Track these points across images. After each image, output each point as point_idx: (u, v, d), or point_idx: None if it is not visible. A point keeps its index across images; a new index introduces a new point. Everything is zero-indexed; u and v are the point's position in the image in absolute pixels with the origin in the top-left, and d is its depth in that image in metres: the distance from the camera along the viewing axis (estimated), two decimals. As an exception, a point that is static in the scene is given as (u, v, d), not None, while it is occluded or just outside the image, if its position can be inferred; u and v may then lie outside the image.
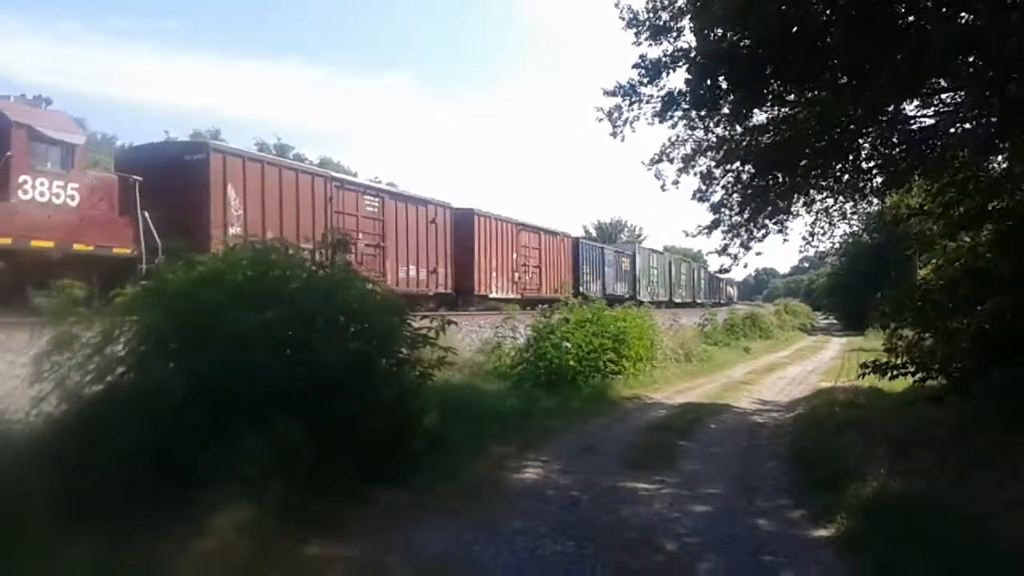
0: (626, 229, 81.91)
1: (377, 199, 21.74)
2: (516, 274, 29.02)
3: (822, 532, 6.37)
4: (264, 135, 66.05)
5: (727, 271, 14.20)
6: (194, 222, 15.45)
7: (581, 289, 31.02)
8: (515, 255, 29.03)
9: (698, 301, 55.13)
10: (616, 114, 11.64)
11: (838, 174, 12.32)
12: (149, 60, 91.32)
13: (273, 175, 17.95)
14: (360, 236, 19.25)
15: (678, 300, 49.92)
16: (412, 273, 22.44)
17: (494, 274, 27.63)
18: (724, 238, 12.70)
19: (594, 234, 72.82)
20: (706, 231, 12.74)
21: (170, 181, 15.43)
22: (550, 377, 14.39)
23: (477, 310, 23.76)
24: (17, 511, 4.91)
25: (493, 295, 26.99)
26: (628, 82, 11.46)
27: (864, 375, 11.14)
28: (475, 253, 26.17)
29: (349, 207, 20.27)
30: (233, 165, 16.84)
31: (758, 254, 13.35)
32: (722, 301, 67.70)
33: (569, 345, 15.03)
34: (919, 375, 10.47)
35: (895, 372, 10.63)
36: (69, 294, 6.80)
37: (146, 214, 14.72)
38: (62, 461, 5.52)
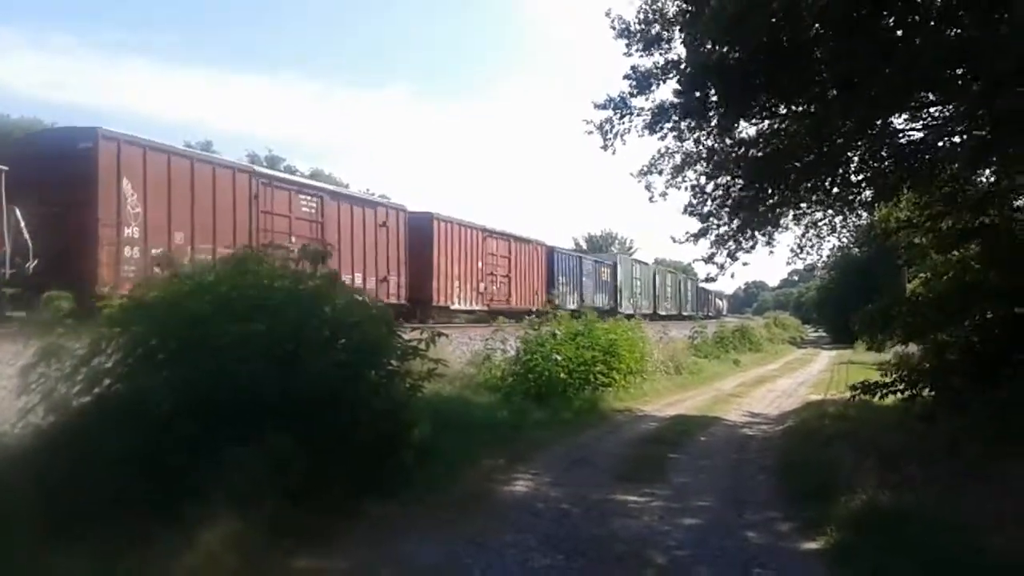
0: (616, 241, 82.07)
1: (315, 199, 19.55)
2: (482, 284, 26.73)
3: (812, 544, 6.37)
4: (257, 148, 65.75)
5: (713, 280, 14.28)
6: (80, 221, 13.79)
7: (556, 301, 28.11)
8: (480, 264, 26.64)
9: (685, 314, 54.42)
10: (607, 127, 11.71)
11: (827, 187, 12.39)
12: (144, 73, 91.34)
13: (183, 168, 15.82)
14: (293, 240, 16.51)
15: (663, 312, 48.21)
16: (359, 282, 19.52)
17: (456, 284, 25.41)
18: (711, 247, 12.77)
19: (584, 246, 72.84)
20: (693, 239, 12.79)
21: (56, 174, 13.76)
22: (540, 389, 14.35)
23: (436, 321, 22.22)
24: (5, 523, 4.87)
25: (455, 306, 25.34)
26: (619, 95, 11.57)
27: (854, 397, 11.17)
28: (434, 261, 23.89)
29: (280, 207, 18.18)
30: (130, 155, 14.65)
31: (745, 264, 13.40)
32: (710, 314, 67.38)
33: (559, 358, 15.01)
34: (908, 392, 10.50)
35: (884, 392, 10.67)
36: (56, 306, 6.72)
37: (16, 210, 12.78)
38: (50, 473, 5.48)
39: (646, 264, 50.75)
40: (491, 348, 16.18)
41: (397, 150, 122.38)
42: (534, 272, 31.28)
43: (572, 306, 28.87)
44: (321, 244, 16.01)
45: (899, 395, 10.61)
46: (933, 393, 10.34)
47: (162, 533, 5.06)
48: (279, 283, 7.32)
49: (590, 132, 11.89)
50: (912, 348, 12.72)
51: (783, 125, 11.37)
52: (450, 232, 25.20)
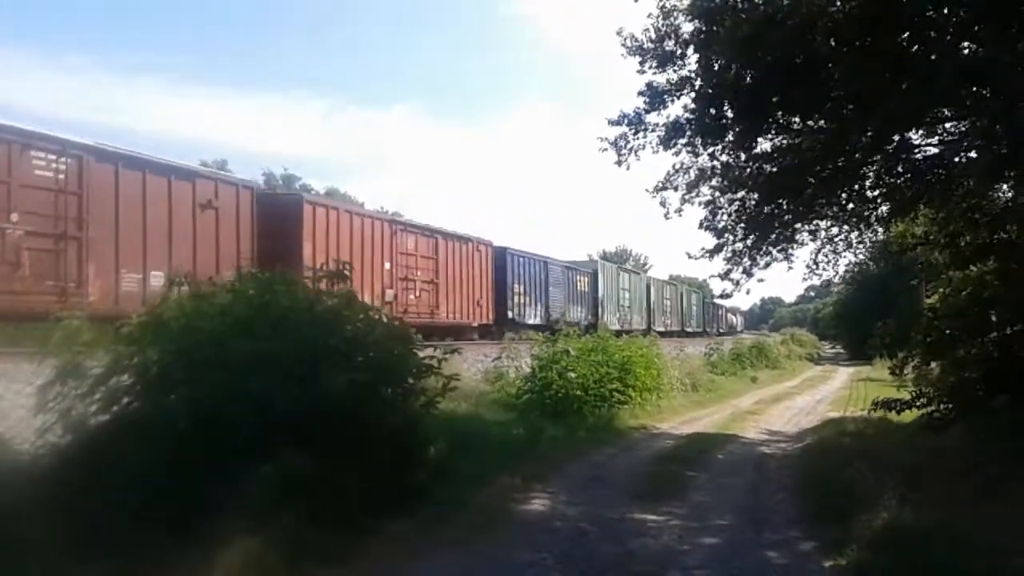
0: (631, 258, 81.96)
1: (64, 160, 12.30)
2: (390, 291, 19.90)
3: (833, 563, 6.28)
4: (272, 166, 66.30)
5: (729, 296, 14.21)
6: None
7: (510, 314, 25.70)
8: (389, 265, 19.98)
9: (689, 330, 50.06)
10: (622, 143, 11.70)
11: (843, 203, 12.34)
12: (159, 93, 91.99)
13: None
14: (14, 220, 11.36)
15: (661, 329, 41.40)
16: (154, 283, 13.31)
17: None
18: (727, 263, 12.72)
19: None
20: (708, 255, 12.75)
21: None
22: (556, 407, 14.33)
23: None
24: (23, 541, 4.89)
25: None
26: (633, 111, 11.55)
27: (874, 410, 11.09)
28: (304, 256, 16.49)
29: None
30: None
31: (760, 281, 13.33)
32: (721, 330, 63.64)
33: (574, 375, 14.97)
34: (927, 409, 10.42)
35: (903, 407, 10.59)
36: (73, 326, 6.77)
37: None
38: (67, 491, 5.50)
39: (636, 274, 44.96)
40: (504, 365, 16.18)
41: (409, 168, 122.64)
42: (475, 278, 24.29)
43: (534, 320, 26.72)
44: (77, 228, 12.00)
45: (918, 411, 10.53)
46: (952, 410, 10.25)
47: (180, 551, 5.08)
48: (298, 303, 7.35)
49: (604, 149, 11.89)
50: (931, 364, 12.61)
51: (798, 140, 11.33)
52: (333, 221, 18.01)
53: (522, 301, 27.23)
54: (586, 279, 34.47)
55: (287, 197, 19.37)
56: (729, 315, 75.53)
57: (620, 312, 37.67)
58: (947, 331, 11.35)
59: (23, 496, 5.46)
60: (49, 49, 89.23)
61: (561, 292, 31.25)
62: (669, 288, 50.03)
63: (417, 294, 21.28)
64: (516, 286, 26.91)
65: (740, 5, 9.94)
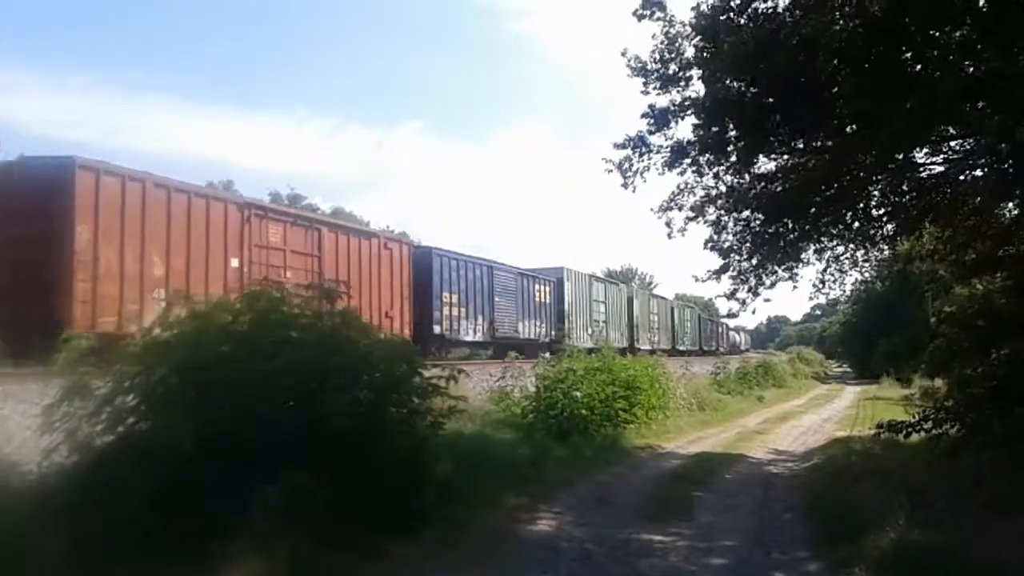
0: (636, 276, 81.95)
1: None
2: None
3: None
4: (278, 186, 66.66)
5: (735, 316, 14.25)
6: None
7: (438, 329, 21.67)
8: (236, 261, 15.47)
9: (682, 348, 45.83)
10: (627, 165, 11.75)
11: (848, 221, 12.36)
12: (162, 112, 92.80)
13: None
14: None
15: (647, 347, 36.61)
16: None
17: (154, 294, 13.68)
18: (733, 283, 12.74)
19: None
20: (715, 276, 12.77)
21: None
22: (561, 426, 14.27)
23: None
24: (29, 562, 4.89)
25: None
26: (637, 133, 11.62)
27: (880, 434, 11.01)
28: (73, 248, 12.69)
29: None
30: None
31: (766, 300, 13.34)
32: (721, 349, 61.16)
33: (579, 395, 14.92)
34: (935, 431, 10.35)
35: (910, 430, 10.52)
36: (79, 345, 6.79)
37: None
38: (73, 512, 5.49)
39: (615, 284, 39.87)
40: (510, 385, 16.12)
41: (414, 186, 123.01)
42: (383, 284, 19.86)
43: (473, 336, 23.42)
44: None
45: (925, 433, 10.45)
46: (959, 429, 10.18)
47: (186, 571, 5.06)
48: (300, 321, 7.36)
49: (610, 171, 11.94)
50: (938, 383, 12.56)
51: (802, 160, 11.37)
52: (132, 198, 13.68)
53: (456, 313, 22.87)
54: (548, 288, 29.84)
55: (49, 163, 13.20)
56: (732, 333, 73.86)
57: (593, 328, 32.94)
58: (954, 346, 11.31)
59: (29, 516, 5.45)
60: (53, 68, 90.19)
61: (512, 302, 26.51)
62: (657, 302, 45.85)
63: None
64: (447, 295, 22.59)
65: (743, 23, 10.01)
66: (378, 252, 19.91)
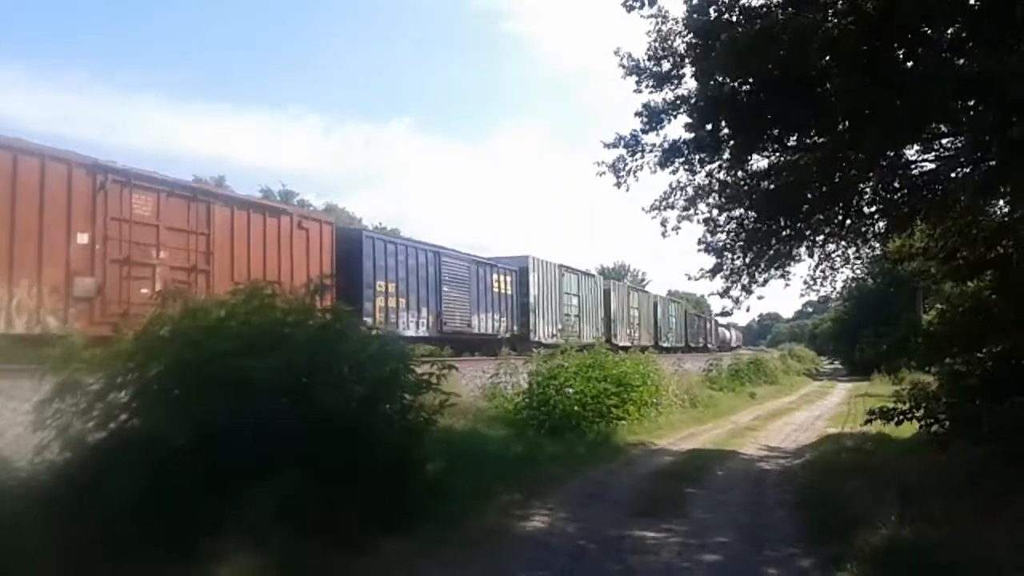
0: (630, 274, 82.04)
1: None
2: (89, 280, 12.79)
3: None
4: (270, 182, 66.54)
5: (729, 314, 14.29)
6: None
7: (369, 321, 16.29)
8: (86, 237, 12.87)
9: (665, 345, 43.09)
10: (620, 164, 11.75)
11: (840, 219, 12.38)
12: (156, 109, 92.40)
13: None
14: None
15: (623, 344, 32.90)
16: None
17: None
18: (726, 282, 12.75)
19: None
20: (708, 275, 12.79)
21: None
22: (554, 423, 14.29)
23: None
24: (20, 559, 4.87)
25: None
26: (630, 133, 11.61)
27: (870, 421, 11.05)
28: None
29: None
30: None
31: (760, 298, 13.36)
32: (710, 345, 59.58)
33: (572, 391, 14.94)
34: (925, 421, 10.38)
35: (901, 418, 10.55)
36: (71, 342, 6.76)
37: None
38: (65, 509, 5.48)
39: (589, 276, 36.08)
40: (502, 381, 16.13)
41: (407, 183, 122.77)
42: (295, 268, 16.49)
43: (416, 331, 20.95)
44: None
45: (916, 423, 10.48)
46: (950, 423, 10.23)
47: (178, 568, 5.05)
48: (292, 317, 7.35)
49: (602, 173, 11.94)
50: (928, 378, 12.63)
51: (794, 158, 11.39)
52: None
53: (393, 304, 20.15)
54: (509, 279, 26.92)
55: None
56: (722, 330, 72.65)
57: (564, 322, 30.42)
58: (944, 344, 11.37)
59: (20, 513, 5.44)
60: (49, 66, 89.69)
61: (464, 294, 24.01)
62: (638, 296, 43.31)
63: (159, 286, 12.80)
64: (382, 283, 19.85)
65: (736, 19, 10.01)
66: (290, 232, 16.87)
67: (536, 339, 24.08)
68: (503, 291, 26.46)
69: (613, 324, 36.17)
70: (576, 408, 14.73)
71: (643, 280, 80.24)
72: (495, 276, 26.10)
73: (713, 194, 12.22)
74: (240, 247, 15.64)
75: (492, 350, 21.93)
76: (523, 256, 29.00)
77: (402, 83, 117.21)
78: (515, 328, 26.59)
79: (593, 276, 36.27)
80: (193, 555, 5.14)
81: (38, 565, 4.91)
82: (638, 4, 10.77)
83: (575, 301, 32.31)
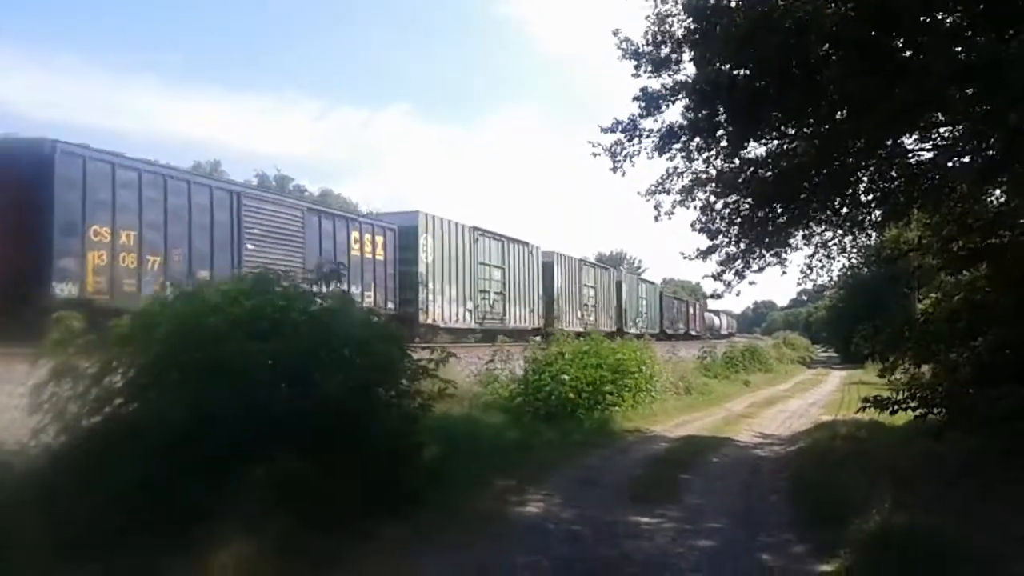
0: (626, 260, 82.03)
1: None
2: None
3: (826, 567, 6.28)
4: (265, 167, 66.24)
5: (719, 297, 14.32)
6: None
7: (66, 289, 12.51)
8: None
9: (634, 332, 37.27)
10: (616, 149, 11.70)
11: (836, 207, 12.37)
12: (150, 94, 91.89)
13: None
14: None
15: (580, 329, 28.07)
16: None
17: None
18: (720, 265, 12.76)
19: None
20: (702, 256, 12.78)
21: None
22: (549, 409, 14.31)
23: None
24: (14, 542, 4.87)
25: None
26: (628, 117, 11.55)
27: (864, 408, 11.08)
28: None
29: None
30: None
31: (752, 284, 13.37)
32: (694, 331, 56.56)
33: (567, 378, 14.95)
34: (920, 410, 10.41)
35: (896, 407, 10.58)
36: (68, 324, 6.73)
37: None
38: (60, 493, 5.47)
39: (522, 244, 29.91)
40: (498, 368, 16.13)
41: (402, 169, 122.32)
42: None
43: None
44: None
45: (910, 412, 10.51)
46: (945, 412, 10.26)
47: (172, 555, 5.04)
48: (295, 303, 7.33)
49: (597, 155, 11.88)
50: (923, 368, 12.65)
51: (792, 145, 11.37)
52: None
53: (125, 265, 13.72)
54: (382, 240, 20.70)
55: None
56: (710, 316, 68.93)
57: (477, 299, 25.35)
58: (939, 334, 11.38)
59: (15, 497, 5.43)
60: (40, 49, 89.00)
61: (292, 254, 17.06)
62: (593, 272, 37.20)
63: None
64: (102, 229, 13.39)
65: (735, 5, 9.97)
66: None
67: (430, 320, 21.02)
68: (374, 257, 20.22)
69: (556, 304, 32.92)
70: (571, 395, 14.75)
71: (639, 267, 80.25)
72: (356, 235, 19.78)
73: (710, 182, 12.19)
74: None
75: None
76: (412, 212, 22.69)
77: (397, 67, 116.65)
78: (391, 305, 20.39)
79: (526, 244, 30.88)
80: (189, 540, 5.13)
81: (31, 549, 4.90)
82: None
83: (498, 274, 28.16)
